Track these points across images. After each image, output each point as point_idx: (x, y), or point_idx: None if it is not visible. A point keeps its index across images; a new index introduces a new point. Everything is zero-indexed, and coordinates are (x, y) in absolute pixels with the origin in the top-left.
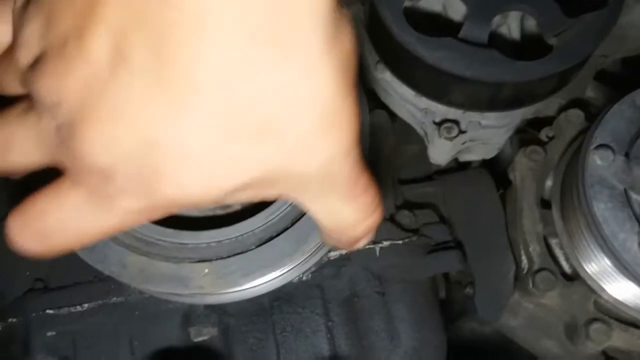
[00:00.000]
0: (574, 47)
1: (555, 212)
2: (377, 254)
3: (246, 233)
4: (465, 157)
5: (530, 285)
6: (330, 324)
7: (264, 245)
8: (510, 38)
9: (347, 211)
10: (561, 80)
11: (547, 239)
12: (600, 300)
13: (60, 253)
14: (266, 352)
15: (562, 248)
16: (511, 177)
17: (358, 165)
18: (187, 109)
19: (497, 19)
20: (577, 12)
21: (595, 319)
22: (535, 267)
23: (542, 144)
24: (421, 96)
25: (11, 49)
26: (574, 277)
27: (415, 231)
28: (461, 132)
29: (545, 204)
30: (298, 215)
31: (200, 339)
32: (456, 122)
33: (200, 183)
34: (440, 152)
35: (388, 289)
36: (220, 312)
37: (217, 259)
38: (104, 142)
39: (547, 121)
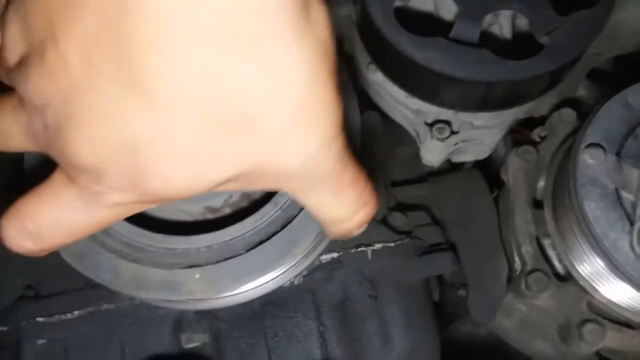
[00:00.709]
0: (565, 46)
1: (547, 213)
2: (369, 256)
3: (236, 237)
4: (458, 158)
5: (523, 287)
6: (322, 328)
7: (254, 249)
8: (501, 37)
9: (336, 205)
10: (553, 79)
11: (539, 239)
12: (593, 300)
13: (54, 249)
14: (258, 358)
15: (554, 248)
16: (504, 177)
17: (342, 158)
18: (161, 110)
19: (488, 18)
20: (568, 10)
21: (588, 320)
22: (528, 268)
23: (534, 143)
24: (413, 97)
25: None
26: (567, 278)
27: (407, 233)
28: (453, 132)
29: (537, 205)
30: (289, 219)
31: (191, 345)
32: (448, 123)
33: (183, 177)
34: (432, 153)
35: (380, 292)
36: (211, 317)
37: (207, 264)
38: (90, 144)
39: (539, 121)
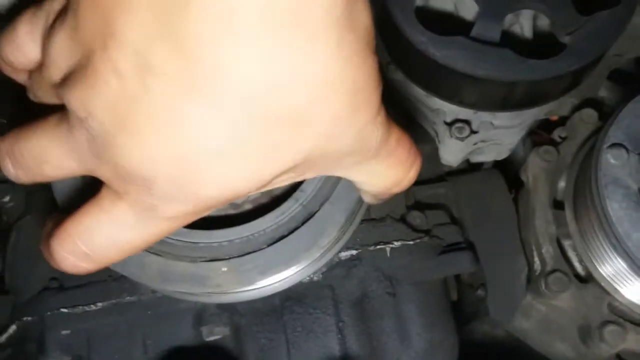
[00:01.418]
0: (587, 46)
1: (568, 213)
2: (388, 254)
3: (258, 232)
4: (476, 159)
5: (543, 287)
6: (341, 324)
7: (276, 244)
8: (522, 37)
9: (387, 172)
10: (574, 79)
11: (560, 240)
12: (614, 302)
13: (109, 265)
14: (277, 352)
15: (575, 249)
16: (523, 177)
17: (386, 122)
18: (220, 109)
19: (509, 18)
20: (590, 10)
21: (609, 322)
22: (548, 268)
23: (555, 144)
24: (432, 96)
25: (42, 64)
26: (588, 279)
27: (426, 232)
28: (473, 132)
29: (558, 205)
30: (310, 214)
31: (212, 338)
32: (468, 122)
33: (239, 178)
34: (451, 152)
35: (399, 290)
36: (232, 311)
37: (233, 257)
38: (143, 152)
39: (560, 122)
